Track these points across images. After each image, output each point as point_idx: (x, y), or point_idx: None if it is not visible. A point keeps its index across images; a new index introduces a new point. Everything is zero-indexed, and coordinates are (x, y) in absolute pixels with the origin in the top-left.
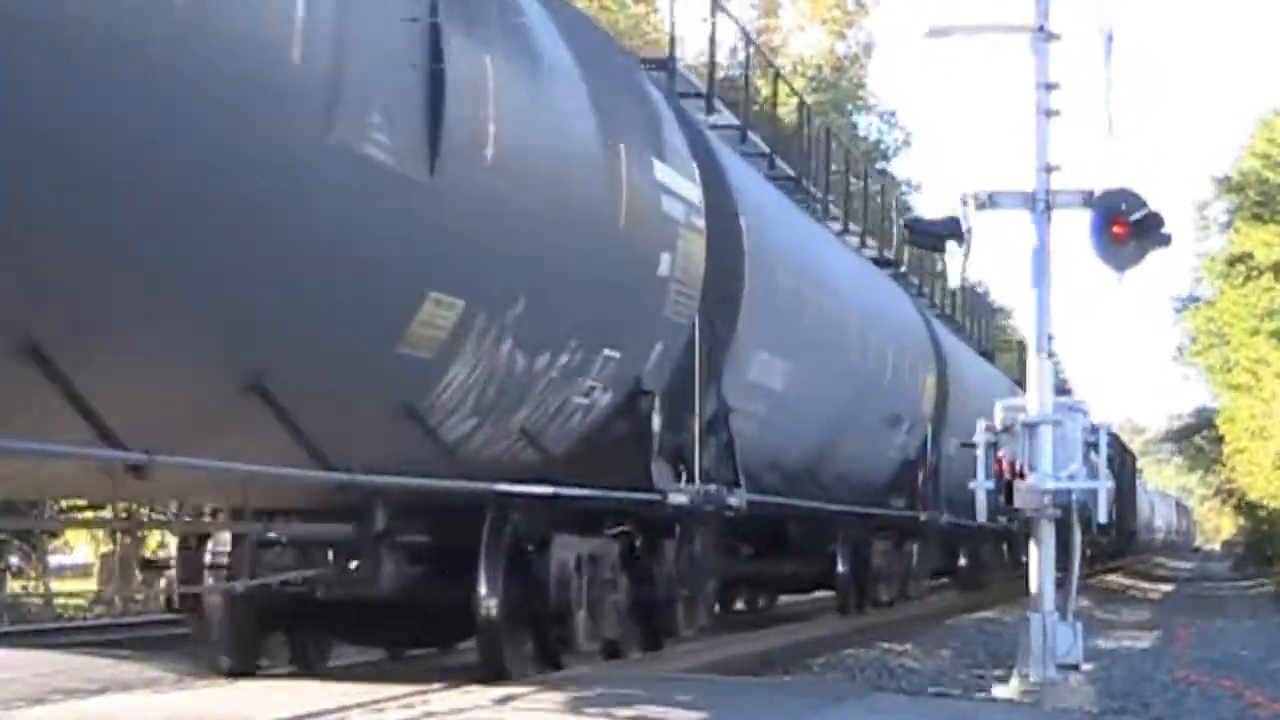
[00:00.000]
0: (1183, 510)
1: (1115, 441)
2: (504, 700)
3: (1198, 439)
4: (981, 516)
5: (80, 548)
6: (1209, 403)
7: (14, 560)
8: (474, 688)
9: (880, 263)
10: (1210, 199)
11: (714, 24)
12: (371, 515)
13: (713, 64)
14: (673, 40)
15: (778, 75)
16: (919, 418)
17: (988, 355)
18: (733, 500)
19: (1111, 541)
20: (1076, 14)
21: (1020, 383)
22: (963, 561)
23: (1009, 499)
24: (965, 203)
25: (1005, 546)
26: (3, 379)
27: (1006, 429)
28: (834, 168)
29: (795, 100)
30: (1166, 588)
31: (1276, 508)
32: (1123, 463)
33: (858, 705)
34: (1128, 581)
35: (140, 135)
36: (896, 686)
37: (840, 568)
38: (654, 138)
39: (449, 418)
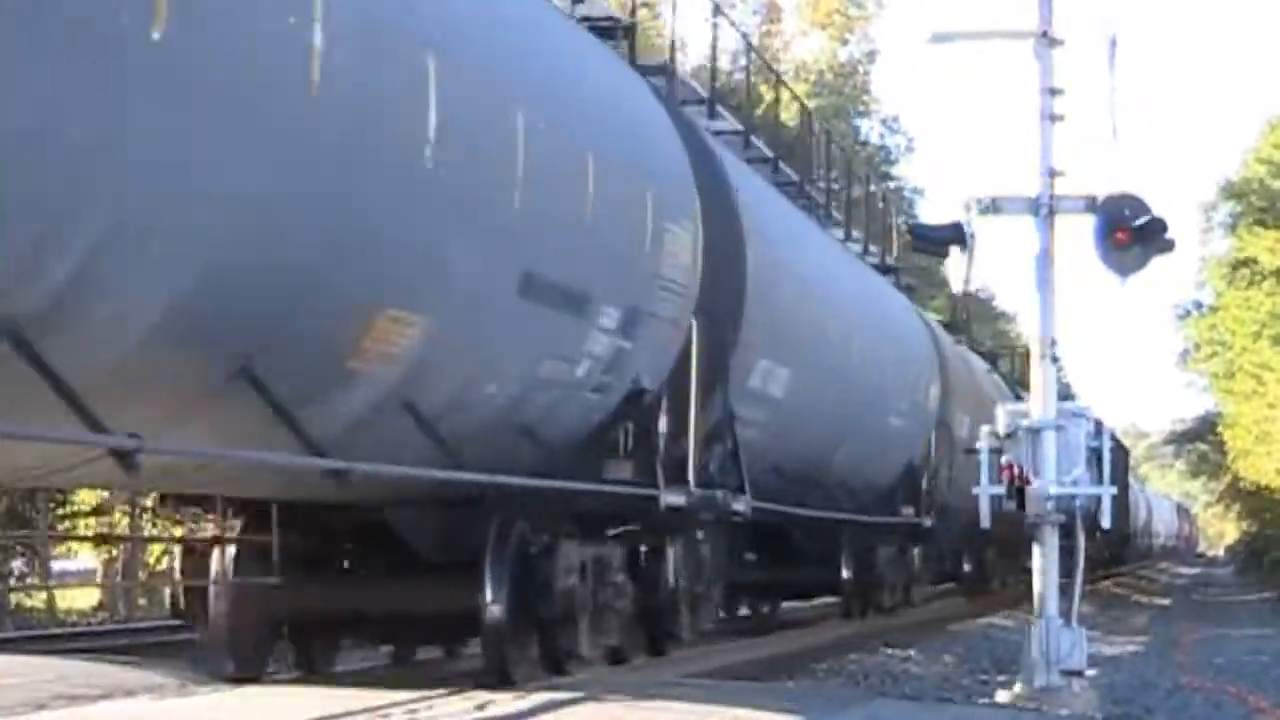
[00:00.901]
0: (1185, 514)
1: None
2: (511, 704)
3: (1201, 445)
4: (985, 523)
5: (84, 554)
6: (1212, 408)
7: (17, 566)
8: (477, 693)
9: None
10: (1215, 201)
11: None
12: None
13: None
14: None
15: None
16: (639, 294)
17: (894, 279)
18: None
19: (1097, 546)
20: (1080, 19)
21: (951, 327)
22: (846, 574)
23: (1020, 505)
24: (968, 208)
25: (917, 553)
26: None
27: (1010, 434)
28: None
29: (797, 105)
30: (1165, 601)
31: None
32: (1114, 461)
33: (861, 711)
34: (1121, 592)
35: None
36: (900, 692)
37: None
38: None
39: None
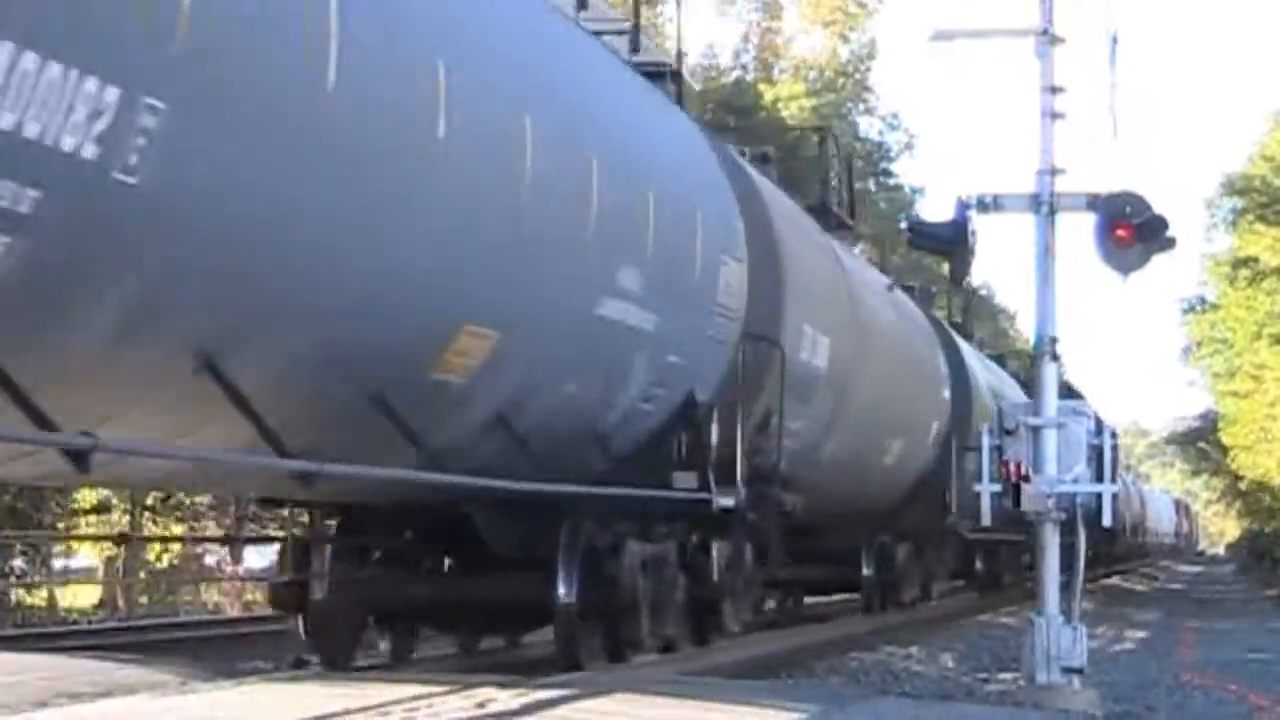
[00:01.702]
0: (1184, 510)
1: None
2: (511, 702)
3: (1202, 443)
4: (986, 520)
5: (85, 551)
6: (1213, 405)
7: (18, 564)
8: (478, 690)
9: None
10: (1218, 197)
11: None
12: None
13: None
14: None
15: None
16: None
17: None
18: None
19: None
20: (1081, 16)
21: (820, 214)
22: (564, 591)
23: (1016, 502)
24: (969, 205)
25: (718, 551)
26: None
27: (1010, 431)
28: None
29: (797, 103)
30: (1163, 601)
31: None
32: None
33: (862, 709)
34: (1118, 592)
35: None
36: (901, 690)
37: None
38: None
39: None
